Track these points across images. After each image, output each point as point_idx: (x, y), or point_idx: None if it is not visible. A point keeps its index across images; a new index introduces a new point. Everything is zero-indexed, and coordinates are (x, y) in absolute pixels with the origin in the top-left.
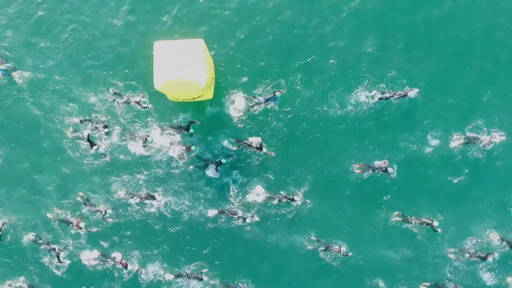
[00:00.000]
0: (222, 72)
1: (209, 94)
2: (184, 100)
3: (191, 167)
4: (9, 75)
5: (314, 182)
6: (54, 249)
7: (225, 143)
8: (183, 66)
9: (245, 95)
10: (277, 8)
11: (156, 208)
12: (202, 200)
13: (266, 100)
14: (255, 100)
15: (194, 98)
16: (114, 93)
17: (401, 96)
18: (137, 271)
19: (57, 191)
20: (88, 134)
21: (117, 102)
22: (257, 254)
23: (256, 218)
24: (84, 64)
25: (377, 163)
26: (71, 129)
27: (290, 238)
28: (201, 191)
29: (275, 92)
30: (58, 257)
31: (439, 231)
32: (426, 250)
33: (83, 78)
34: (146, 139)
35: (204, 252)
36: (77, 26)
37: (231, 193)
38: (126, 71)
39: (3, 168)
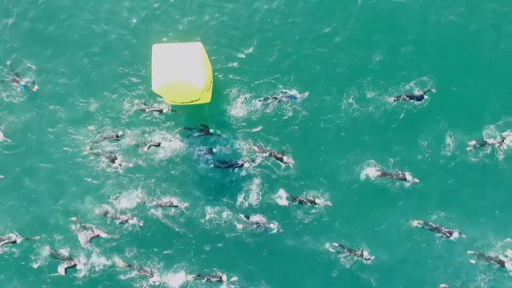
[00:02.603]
0: (223, 75)
1: (207, 97)
2: (182, 103)
3: (211, 165)
4: (29, 90)
5: (333, 186)
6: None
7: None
8: (181, 69)
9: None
10: (275, 9)
11: (174, 212)
12: (223, 205)
13: (282, 97)
14: (270, 97)
15: (192, 101)
16: (143, 103)
17: (416, 99)
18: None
19: (73, 202)
20: (114, 156)
21: (142, 110)
22: (278, 258)
23: (280, 230)
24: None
25: (398, 173)
26: (88, 148)
27: (311, 242)
28: (222, 196)
29: (291, 91)
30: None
31: (463, 236)
32: (446, 257)
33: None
34: (158, 144)
35: (223, 256)
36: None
37: (252, 198)
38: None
39: (20, 182)
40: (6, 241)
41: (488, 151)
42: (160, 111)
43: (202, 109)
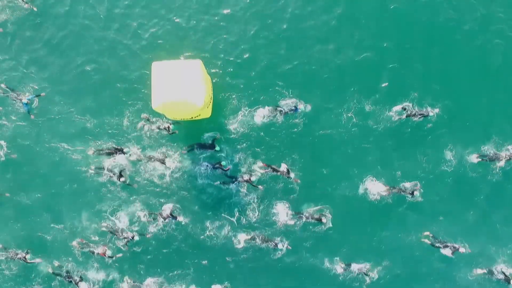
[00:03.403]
0: (223, 88)
1: (207, 113)
2: (182, 119)
3: (217, 182)
4: (31, 105)
5: (338, 202)
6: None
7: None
8: (180, 87)
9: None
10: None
11: (172, 226)
12: (223, 221)
13: (288, 111)
14: (277, 109)
15: (192, 118)
16: (147, 119)
17: (422, 115)
18: None
19: (76, 219)
20: (120, 172)
21: (147, 127)
22: (282, 276)
23: (288, 246)
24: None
25: (407, 186)
26: (93, 167)
27: (316, 260)
28: (221, 211)
29: (297, 104)
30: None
31: (469, 251)
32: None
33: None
34: (164, 159)
35: (226, 272)
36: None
37: (253, 214)
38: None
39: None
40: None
41: (497, 166)
42: (168, 129)
43: (201, 123)
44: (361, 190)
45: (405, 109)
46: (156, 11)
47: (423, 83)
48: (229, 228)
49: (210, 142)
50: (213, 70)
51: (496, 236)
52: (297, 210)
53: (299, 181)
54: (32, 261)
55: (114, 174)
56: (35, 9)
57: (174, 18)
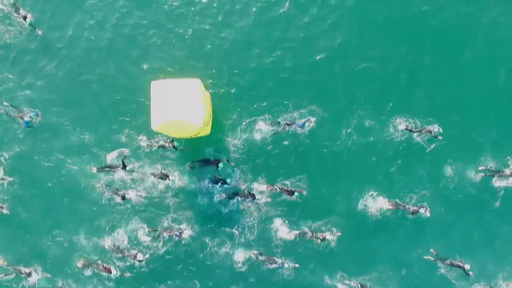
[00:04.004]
0: (223, 104)
1: (206, 131)
2: (182, 137)
3: (217, 197)
4: (34, 123)
5: (342, 219)
6: None
7: (255, 185)
8: (179, 108)
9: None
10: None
11: (178, 238)
12: (224, 237)
13: (292, 124)
14: (281, 124)
15: (191, 136)
16: (148, 139)
17: (427, 132)
18: None
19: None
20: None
21: (151, 146)
22: None
23: (296, 265)
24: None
25: (412, 207)
26: (97, 184)
27: (316, 276)
28: (223, 228)
29: (305, 121)
30: None
31: (471, 275)
32: None
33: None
34: (166, 176)
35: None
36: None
37: (256, 231)
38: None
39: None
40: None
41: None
42: (174, 147)
43: (200, 139)
44: (360, 206)
45: (408, 128)
46: (156, 27)
47: (426, 98)
48: (231, 245)
49: (213, 159)
50: (213, 87)
51: (497, 252)
52: (300, 225)
53: (304, 192)
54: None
55: (118, 194)
56: (40, 32)
57: (173, 35)
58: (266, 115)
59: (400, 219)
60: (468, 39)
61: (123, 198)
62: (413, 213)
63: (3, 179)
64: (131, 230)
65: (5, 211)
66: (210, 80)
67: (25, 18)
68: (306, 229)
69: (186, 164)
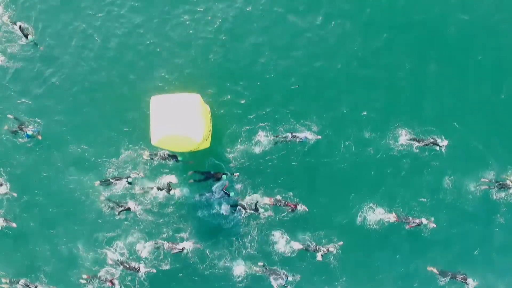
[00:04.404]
0: (224, 118)
1: (206, 145)
2: (181, 151)
3: (218, 209)
4: (34, 137)
5: (342, 231)
6: None
7: (258, 197)
8: (179, 123)
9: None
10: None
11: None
12: (224, 250)
13: (295, 137)
14: (282, 136)
15: (191, 150)
16: (150, 154)
17: (432, 145)
18: None
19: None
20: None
21: (154, 159)
22: None
23: (298, 277)
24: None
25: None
26: (101, 197)
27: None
28: (227, 240)
29: (307, 134)
30: None
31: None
32: None
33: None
34: (170, 188)
35: None
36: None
37: (255, 244)
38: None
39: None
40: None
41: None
42: (177, 160)
43: (201, 153)
44: (360, 218)
45: (412, 139)
46: (157, 37)
47: (429, 109)
48: (230, 257)
49: (213, 171)
50: (212, 96)
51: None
52: (298, 238)
53: (307, 209)
54: None
55: (120, 207)
56: (41, 48)
57: (173, 45)
58: (267, 126)
59: (402, 231)
60: (472, 48)
61: (125, 210)
62: (418, 225)
63: (7, 193)
64: (130, 243)
65: (13, 224)
66: (210, 90)
67: (26, 36)
68: (309, 243)
69: (187, 176)
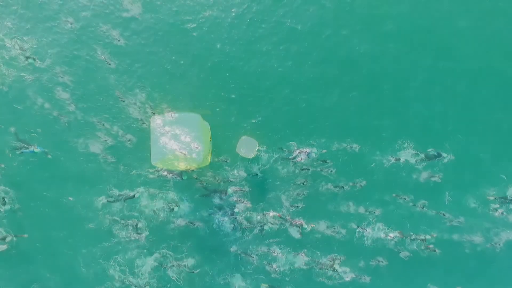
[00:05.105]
0: (224, 133)
1: (206, 162)
2: (182, 170)
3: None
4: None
5: (344, 248)
6: None
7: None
8: (179, 144)
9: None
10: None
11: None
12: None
13: (300, 153)
14: (286, 153)
15: (191, 169)
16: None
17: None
18: None
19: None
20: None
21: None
22: None
23: None
24: None
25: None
26: (107, 215)
27: None
28: (229, 255)
29: (311, 151)
30: None
31: None
32: None
33: None
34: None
35: None
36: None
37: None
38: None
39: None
40: None
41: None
42: (182, 178)
43: (203, 170)
44: (360, 235)
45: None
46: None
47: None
48: (230, 273)
49: (219, 188)
50: (212, 108)
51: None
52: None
53: (313, 225)
54: None
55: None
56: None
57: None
58: (266, 144)
59: (405, 249)
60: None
61: (133, 227)
62: (422, 240)
63: (16, 236)
64: (130, 259)
65: (25, 235)
66: (208, 103)
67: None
68: (319, 259)
69: (192, 192)
